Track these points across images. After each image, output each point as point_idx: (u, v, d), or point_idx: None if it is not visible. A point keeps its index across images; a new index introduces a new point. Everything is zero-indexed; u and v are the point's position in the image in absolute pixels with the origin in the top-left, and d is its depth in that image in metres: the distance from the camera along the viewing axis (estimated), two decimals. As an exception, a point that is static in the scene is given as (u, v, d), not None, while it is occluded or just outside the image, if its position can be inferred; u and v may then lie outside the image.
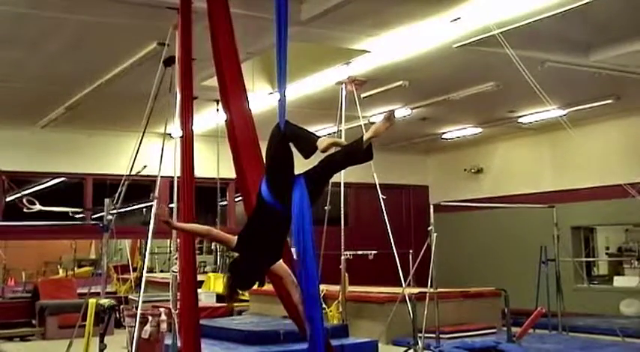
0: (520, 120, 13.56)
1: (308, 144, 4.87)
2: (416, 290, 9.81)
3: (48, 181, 14.65)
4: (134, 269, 14.72)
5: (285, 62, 4.99)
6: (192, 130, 6.45)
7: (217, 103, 10.72)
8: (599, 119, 13.21)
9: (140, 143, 8.98)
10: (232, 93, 6.24)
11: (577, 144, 13.10)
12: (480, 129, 14.67)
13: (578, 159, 13.97)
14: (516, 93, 11.09)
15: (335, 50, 9.44)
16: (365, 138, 4.91)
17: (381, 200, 10.56)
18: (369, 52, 9.22)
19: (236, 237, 4.96)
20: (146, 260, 9.51)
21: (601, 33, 8.88)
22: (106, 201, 9.61)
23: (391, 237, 10.32)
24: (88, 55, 9.23)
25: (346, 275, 10.84)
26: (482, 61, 9.53)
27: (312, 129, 14.92)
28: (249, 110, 6.28)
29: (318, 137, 4.90)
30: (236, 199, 15.00)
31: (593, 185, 13.59)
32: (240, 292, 5.05)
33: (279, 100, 5.10)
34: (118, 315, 9.09)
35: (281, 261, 5.02)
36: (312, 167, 5.07)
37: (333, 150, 4.95)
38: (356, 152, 5.01)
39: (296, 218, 4.84)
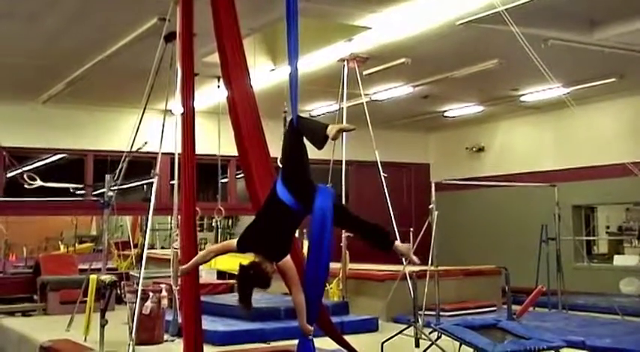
0: (522, 98, 13.51)
1: (319, 134, 4.94)
2: (416, 268, 9.81)
3: (49, 157, 14.63)
4: (135, 246, 14.77)
5: (297, 37, 5.08)
6: (193, 107, 6.41)
7: (218, 80, 10.66)
8: (601, 98, 13.14)
9: (141, 119, 8.96)
10: (234, 70, 6.20)
11: (579, 122, 13.07)
12: (482, 108, 14.61)
13: (580, 138, 13.94)
14: (519, 71, 11.03)
15: (337, 27, 9.37)
16: (395, 244, 5.44)
17: (382, 178, 10.55)
18: (370, 28, 9.15)
19: (235, 240, 5.02)
20: (147, 236, 9.53)
21: (605, 11, 8.80)
22: (107, 177, 9.62)
23: (392, 214, 10.32)
24: (88, 29, 9.17)
25: (347, 252, 10.86)
26: (485, 39, 9.46)
27: (313, 106, 14.98)
28: (251, 86, 6.25)
29: (327, 125, 4.95)
30: (237, 176, 14.99)
31: (594, 164, 13.56)
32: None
33: (290, 74, 5.16)
34: (118, 291, 9.13)
35: (289, 256, 5.05)
36: (342, 205, 5.20)
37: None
38: (382, 242, 5.46)
39: (318, 223, 4.88)
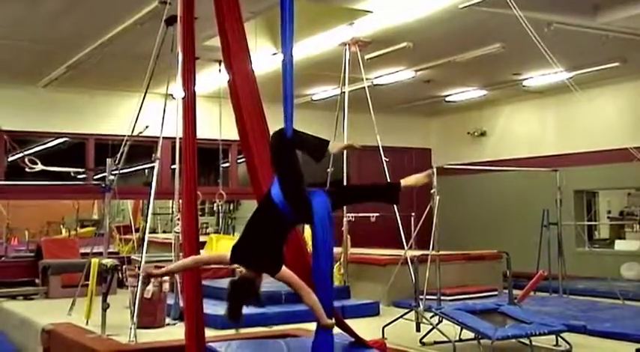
0: (525, 83, 13.46)
1: (318, 150, 4.86)
2: (418, 252, 9.82)
3: (50, 141, 14.63)
4: (136, 230, 14.80)
5: (292, 25, 4.97)
6: (194, 91, 6.38)
7: (220, 64, 10.63)
8: (604, 82, 13.08)
9: (142, 103, 8.94)
10: (235, 54, 6.15)
11: (581, 107, 13.02)
12: (484, 92, 14.56)
13: (582, 123, 13.90)
14: (522, 56, 10.98)
15: (338, 11, 9.32)
16: (403, 185, 5.11)
17: (384, 162, 10.54)
18: (371, 12, 9.10)
19: (229, 252, 4.90)
20: (148, 220, 9.54)
21: (609, -6, 8.77)
22: (108, 161, 9.61)
23: (394, 199, 10.29)
24: (89, 13, 9.12)
25: (348, 237, 10.87)
26: (488, 23, 9.41)
27: (314, 90, 14.91)
28: (252, 70, 6.21)
29: (328, 141, 4.87)
30: (239, 160, 14.98)
31: (597, 148, 13.54)
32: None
33: (284, 62, 5.02)
34: (120, 275, 9.15)
35: (284, 267, 4.99)
36: (337, 188, 5.07)
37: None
38: (389, 194, 5.24)
39: (319, 220, 4.85)
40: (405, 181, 5.18)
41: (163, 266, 8.84)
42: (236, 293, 4.80)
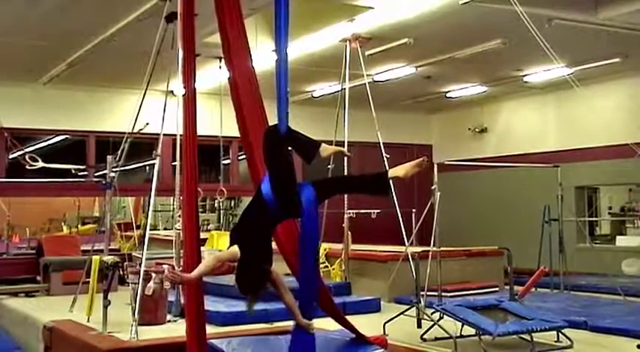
0: (526, 79, 13.44)
1: (311, 151, 4.85)
2: (419, 248, 9.82)
3: (51, 138, 14.62)
4: (137, 227, 14.81)
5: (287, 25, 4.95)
6: (194, 88, 6.37)
7: (220, 60, 10.62)
8: (605, 78, 13.07)
9: (142, 100, 8.94)
10: (235, 50, 6.15)
11: (582, 103, 13.02)
12: (485, 88, 14.55)
13: (583, 119, 13.89)
14: (523, 52, 10.96)
15: (339, 7, 9.31)
16: (390, 175, 4.91)
17: (385, 159, 10.52)
18: (372, 8, 9.09)
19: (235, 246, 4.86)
20: (149, 217, 9.53)
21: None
22: (109, 158, 9.61)
23: (394, 195, 10.30)
24: (89, 10, 9.11)
25: (349, 233, 10.86)
26: (488, 18, 9.40)
27: (315, 87, 14.86)
28: (252, 67, 6.20)
29: (320, 143, 4.87)
30: (239, 157, 14.98)
31: (598, 144, 13.54)
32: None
33: (278, 53, 5.01)
34: (121, 272, 9.15)
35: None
36: (324, 179, 5.03)
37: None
38: (376, 185, 5.04)
39: (306, 213, 4.84)
40: (393, 172, 4.94)
41: (163, 264, 8.90)
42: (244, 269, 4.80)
